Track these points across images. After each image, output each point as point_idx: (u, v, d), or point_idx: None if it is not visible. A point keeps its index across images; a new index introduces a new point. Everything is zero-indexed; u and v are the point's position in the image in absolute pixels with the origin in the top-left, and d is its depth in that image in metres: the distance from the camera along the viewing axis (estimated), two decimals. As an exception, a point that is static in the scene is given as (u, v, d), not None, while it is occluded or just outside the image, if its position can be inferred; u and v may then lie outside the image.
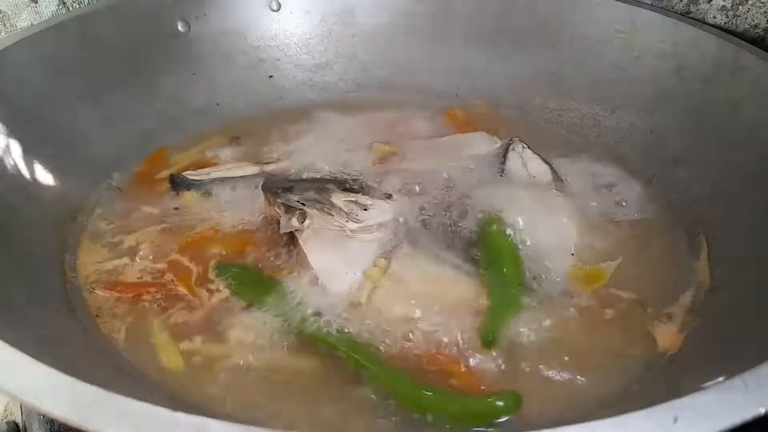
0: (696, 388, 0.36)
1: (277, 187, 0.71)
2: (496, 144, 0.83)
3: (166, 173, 0.78)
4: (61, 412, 0.34)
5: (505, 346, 0.56)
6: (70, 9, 0.93)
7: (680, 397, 0.34)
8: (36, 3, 0.93)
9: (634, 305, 0.61)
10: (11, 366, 0.37)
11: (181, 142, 0.85)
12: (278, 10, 0.94)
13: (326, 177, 0.76)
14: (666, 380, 0.52)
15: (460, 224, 0.68)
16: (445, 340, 0.56)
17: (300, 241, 0.64)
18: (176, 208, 0.72)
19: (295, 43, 0.95)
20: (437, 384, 0.52)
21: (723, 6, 0.80)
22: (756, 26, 0.79)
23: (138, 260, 0.65)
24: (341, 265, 0.62)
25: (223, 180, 0.75)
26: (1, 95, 0.68)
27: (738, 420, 0.33)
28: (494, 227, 0.67)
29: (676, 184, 0.75)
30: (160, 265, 0.64)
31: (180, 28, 0.88)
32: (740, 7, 0.79)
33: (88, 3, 0.93)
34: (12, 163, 0.66)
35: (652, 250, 0.68)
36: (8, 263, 0.57)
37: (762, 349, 0.44)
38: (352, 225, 0.66)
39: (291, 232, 0.66)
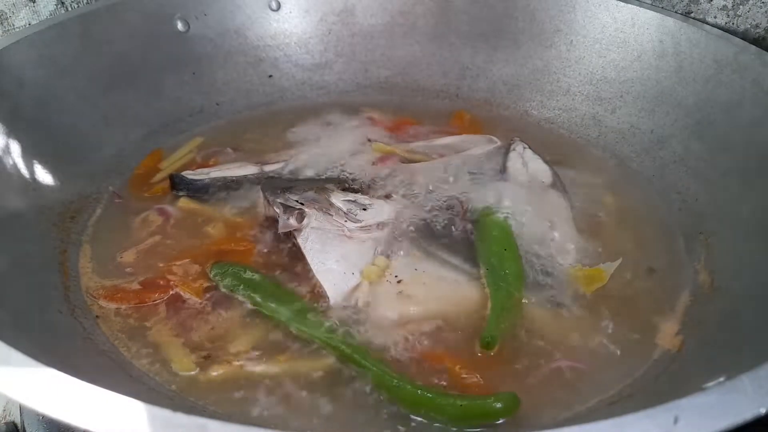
0: (696, 388, 0.36)
1: (276, 187, 0.71)
2: (497, 144, 0.83)
3: (165, 173, 0.78)
4: (60, 412, 0.34)
5: (504, 347, 0.56)
6: (69, 9, 0.93)
7: (680, 398, 0.34)
8: (34, 2, 0.93)
9: (633, 306, 0.61)
10: (10, 366, 0.37)
11: (181, 141, 0.85)
12: (278, 9, 0.94)
13: (326, 177, 0.76)
14: (666, 380, 0.52)
15: (460, 224, 0.68)
16: (445, 340, 0.56)
17: (299, 241, 0.64)
18: (176, 209, 0.72)
19: (295, 43, 0.95)
20: (436, 385, 0.52)
21: (724, 6, 0.80)
22: (757, 26, 0.79)
23: (138, 263, 0.65)
24: (340, 265, 0.62)
25: (222, 180, 0.75)
26: (1, 95, 0.68)
27: (738, 420, 0.33)
28: (494, 228, 0.67)
29: (676, 184, 0.75)
30: (161, 267, 0.64)
31: (180, 27, 0.88)
32: (741, 6, 0.79)
33: (88, 2, 0.93)
34: (12, 163, 0.66)
35: (652, 251, 0.68)
36: (8, 263, 0.57)
37: (762, 350, 0.44)
38: (351, 225, 0.66)
39: (290, 231, 0.66)
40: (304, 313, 0.58)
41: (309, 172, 0.77)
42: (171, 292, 0.61)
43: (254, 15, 0.93)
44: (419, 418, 0.50)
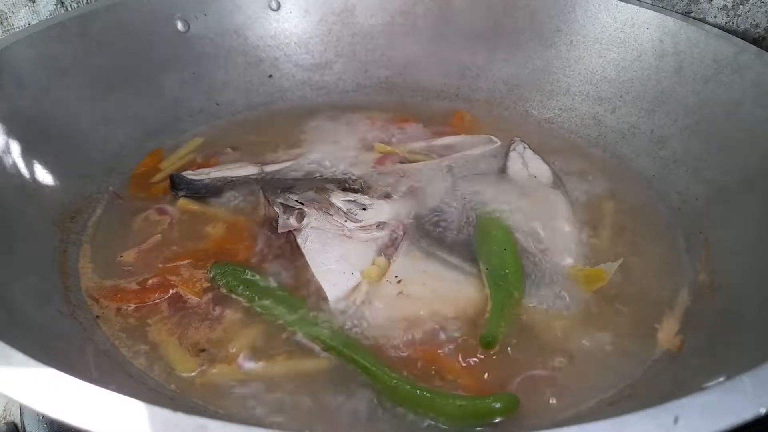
0: (696, 388, 0.36)
1: (276, 187, 0.71)
2: (497, 144, 0.83)
3: (165, 173, 0.78)
4: (60, 412, 0.34)
5: (504, 347, 0.56)
6: (69, 9, 0.93)
7: (680, 397, 0.34)
8: (34, 2, 0.93)
9: (634, 306, 0.61)
10: (10, 366, 0.37)
11: (181, 141, 0.85)
12: (278, 9, 0.94)
13: (326, 176, 0.76)
14: (666, 380, 0.52)
15: (460, 224, 0.68)
16: (445, 340, 0.56)
17: (298, 241, 0.64)
18: (176, 209, 0.72)
19: (295, 43, 0.95)
20: (436, 384, 0.52)
21: (723, 5, 0.80)
22: (757, 26, 0.79)
23: (138, 263, 0.65)
24: (340, 265, 0.62)
25: (222, 180, 0.75)
26: (1, 95, 0.68)
27: (738, 420, 0.33)
28: (494, 228, 0.67)
29: (676, 184, 0.75)
30: (161, 267, 0.64)
31: (180, 27, 0.88)
32: (741, 6, 0.79)
33: (87, 2, 0.93)
34: (12, 162, 0.66)
35: (652, 250, 0.68)
36: (8, 263, 0.57)
37: (762, 349, 0.44)
38: (351, 225, 0.66)
39: (290, 231, 0.66)
40: (303, 313, 0.58)
41: (309, 172, 0.77)
42: (171, 292, 0.61)
43: (254, 15, 0.93)
44: (419, 418, 0.50)
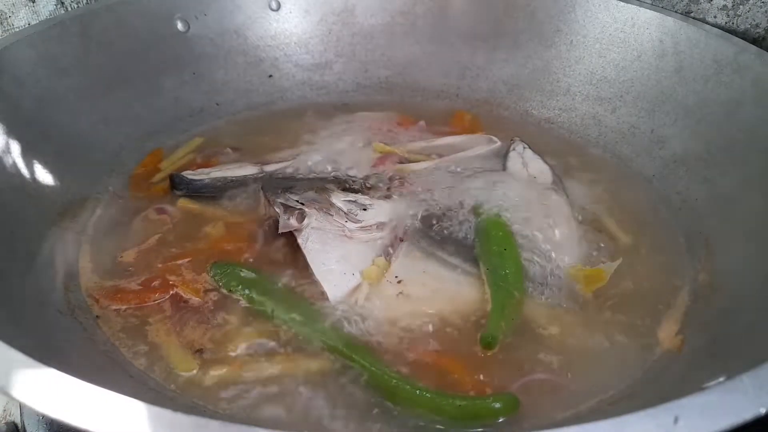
0: (696, 388, 0.36)
1: (276, 187, 0.71)
2: (497, 144, 0.83)
3: (165, 173, 0.78)
4: (60, 412, 0.34)
5: (504, 347, 0.56)
6: (69, 9, 0.94)
7: (680, 397, 0.34)
8: (34, 2, 0.93)
9: (633, 306, 0.61)
10: (10, 366, 0.37)
11: (181, 141, 0.85)
12: (278, 9, 0.94)
13: (326, 177, 0.76)
14: (666, 380, 0.52)
15: (460, 225, 0.68)
16: (445, 340, 0.56)
17: (299, 241, 0.64)
18: (176, 209, 0.72)
19: (295, 43, 0.95)
20: (436, 385, 0.52)
21: (724, 5, 0.80)
22: (757, 26, 0.79)
23: (138, 263, 0.65)
24: (340, 265, 0.62)
25: (222, 180, 0.75)
26: (1, 95, 0.68)
27: (738, 420, 0.33)
28: (494, 228, 0.67)
29: (676, 184, 0.75)
30: (161, 267, 0.64)
31: (180, 27, 0.88)
32: (741, 6, 0.79)
33: (88, 2, 0.93)
34: (12, 162, 0.66)
35: (653, 251, 0.68)
36: (8, 263, 0.57)
37: (762, 349, 0.44)
38: (351, 225, 0.66)
39: (290, 231, 0.66)
40: (303, 313, 0.58)
41: (309, 172, 0.77)
42: (171, 292, 0.61)
43: (254, 15, 0.93)
44: (418, 418, 0.50)
